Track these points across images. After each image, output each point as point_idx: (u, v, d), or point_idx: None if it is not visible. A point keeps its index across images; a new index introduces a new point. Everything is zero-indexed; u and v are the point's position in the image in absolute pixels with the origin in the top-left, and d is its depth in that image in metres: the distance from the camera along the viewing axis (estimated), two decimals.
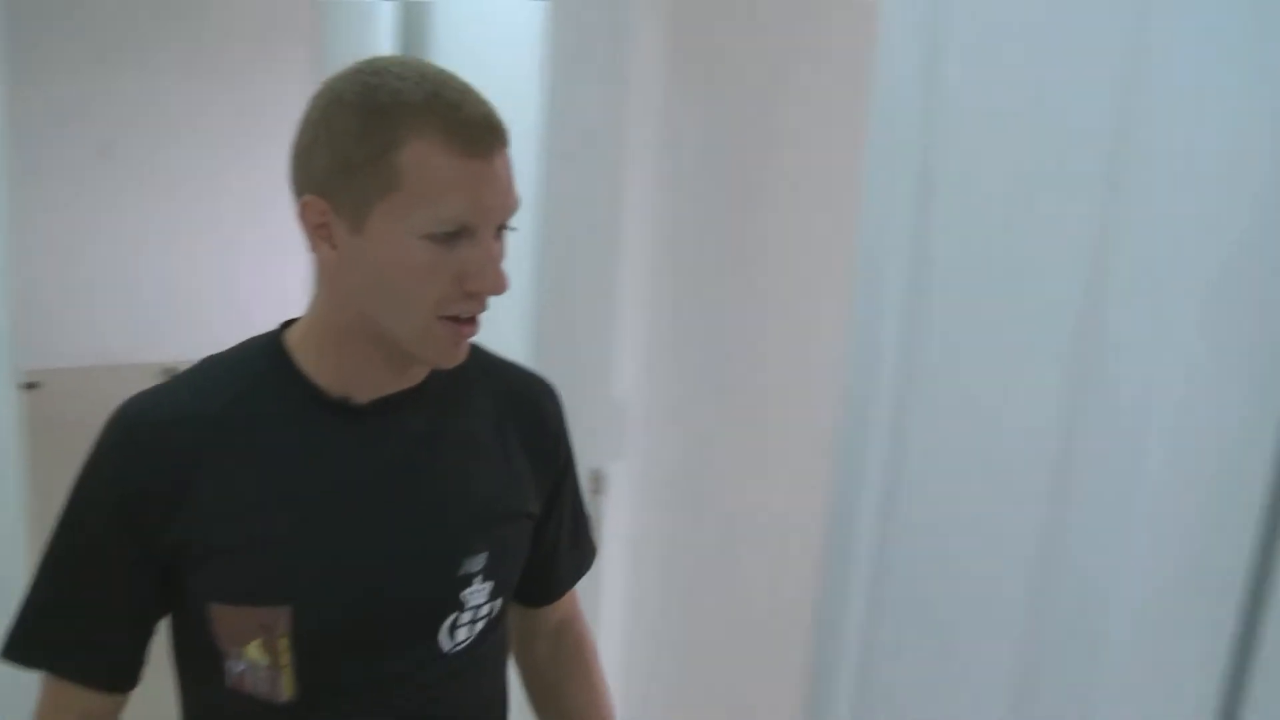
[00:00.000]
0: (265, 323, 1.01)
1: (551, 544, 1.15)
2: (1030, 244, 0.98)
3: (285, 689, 0.94)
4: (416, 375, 1.00)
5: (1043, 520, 0.97)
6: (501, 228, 0.92)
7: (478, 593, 1.01)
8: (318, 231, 0.91)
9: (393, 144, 0.86)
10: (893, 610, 1.14)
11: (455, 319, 0.92)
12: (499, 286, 0.91)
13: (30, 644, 0.97)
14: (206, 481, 0.93)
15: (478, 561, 1.00)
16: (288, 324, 1.01)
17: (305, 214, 0.91)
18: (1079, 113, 0.93)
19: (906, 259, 1.07)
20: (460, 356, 0.96)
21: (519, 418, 1.09)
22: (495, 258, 0.91)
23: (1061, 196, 0.95)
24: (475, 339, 0.97)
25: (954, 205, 1.05)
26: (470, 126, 0.88)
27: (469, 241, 0.89)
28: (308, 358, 0.97)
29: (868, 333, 1.14)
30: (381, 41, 1.93)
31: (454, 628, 1.01)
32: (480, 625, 1.03)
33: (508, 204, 0.92)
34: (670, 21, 1.56)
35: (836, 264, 1.23)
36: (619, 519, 1.78)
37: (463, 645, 1.02)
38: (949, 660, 1.08)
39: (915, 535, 1.10)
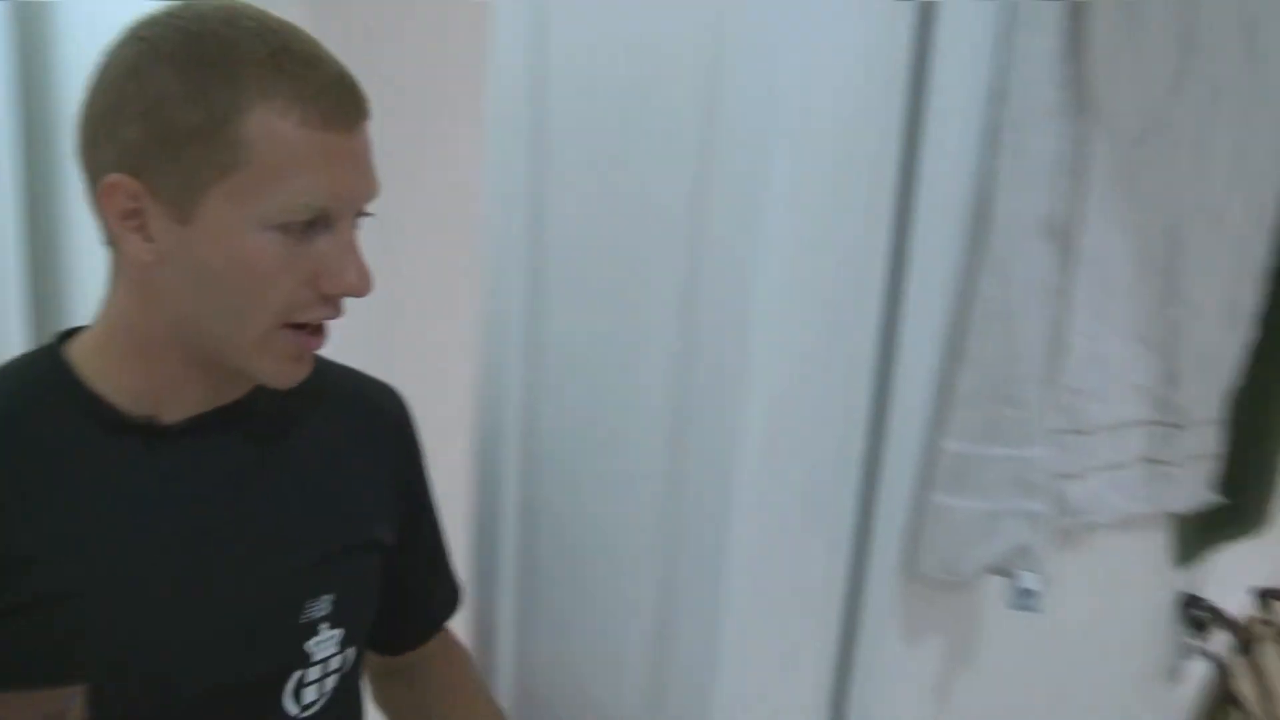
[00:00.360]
0: None
1: (411, 578, 0.99)
2: (633, 221, 1.04)
3: None
4: (239, 388, 0.82)
5: (663, 474, 1.04)
6: (358, 215, 0.77)
7: (325, 643, 0.84)
8: (125, 221, 0.71)
9: (232, 111, 0.68)
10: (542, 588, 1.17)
11: (301, 327, 0.76)
12: (363, 286, 0.75)
13: None
14: None
15: (322, 605, 0.83)
16: (68, 334, 0.81)
17: (108, 198, 0.71)
18: (671, 87, 0.98)
19: (525, 253, 1.12)
20: (303, 373, 0.79)
21: (363, 432, 0.92)
22: (357, 251, 0.75)
23: (658, 172, 1.00)
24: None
25: (563, 206, 1.10)
26: (329, 92, 0.72)
27: (325, 233, 0.73)
28: (100, 372, 0.77)
29: (496, 319, 1.17)
30: None
31: (300, 688, 0.83)
32: (331, 682, 0.86)
33: (372, 186, 0.77)
34: (312, 12, 1.56)
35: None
36: None
37: (314, 709, 0.85)
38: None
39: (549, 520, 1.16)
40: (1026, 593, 1.11)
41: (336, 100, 0.72)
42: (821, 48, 0.91)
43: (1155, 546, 1.54)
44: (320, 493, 0.87)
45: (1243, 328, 1.46)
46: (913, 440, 1.07)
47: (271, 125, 0.69)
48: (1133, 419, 1.33)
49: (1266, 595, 1.72)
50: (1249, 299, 1.45)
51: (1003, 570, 1.12)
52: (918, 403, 1.06)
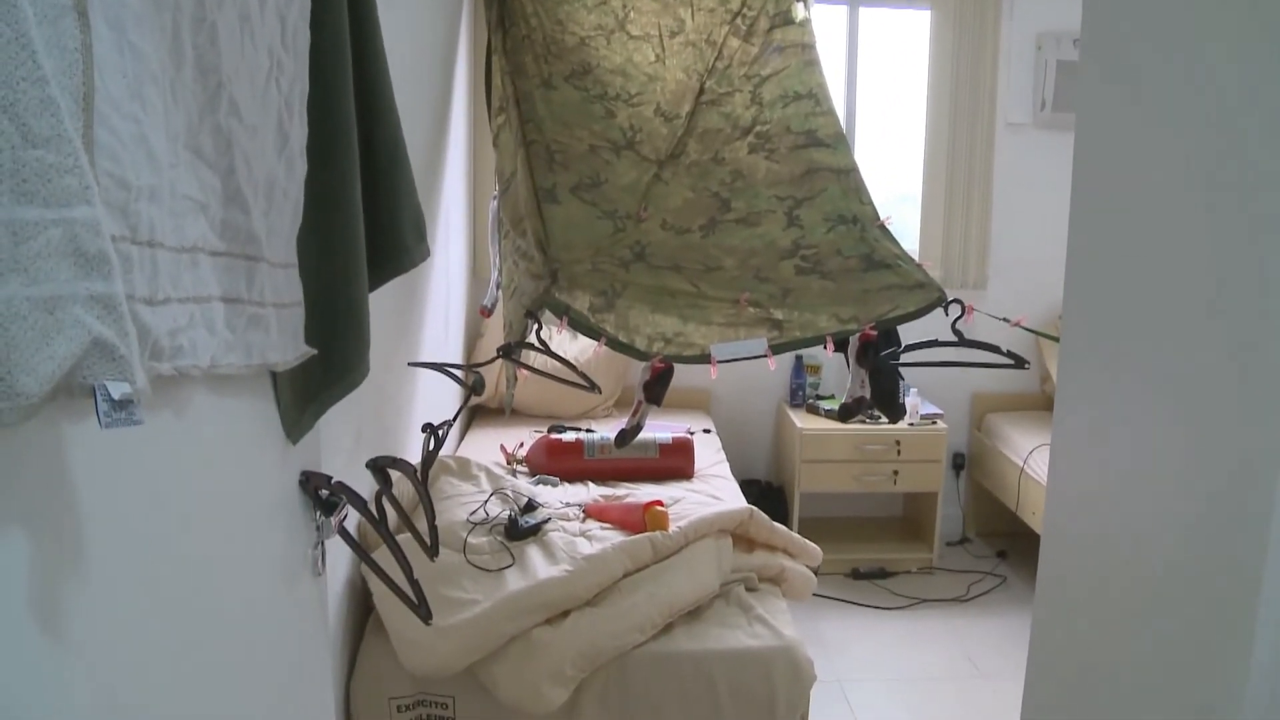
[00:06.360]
0: None
1: None
2: None
3: None
4: None
5: None
6: None
7: None
8: None
9: None
10: None
11: None
12: None
13: None
14: None
15: None
16: None
17: None
18: None
19: None
20: None
21: None
22: None
23: None
24: None
25: None
26: None
27: None
28: None
29: None
30: None
31: None
32: None
33: None
34: None
35: None
36: None
37: None
38: None
39: None
40: (119, 404, 0.85)
41: None
42: None
43: (264, 417, 1.38)
44: None
45: (297, 162, 1.39)
46: None
47: None
48: (203, 245, 1.15)
49: (376, 465, 1.69)
50: (298, 130, 1.38)
51: (80, 382, 0.83)
52: None
